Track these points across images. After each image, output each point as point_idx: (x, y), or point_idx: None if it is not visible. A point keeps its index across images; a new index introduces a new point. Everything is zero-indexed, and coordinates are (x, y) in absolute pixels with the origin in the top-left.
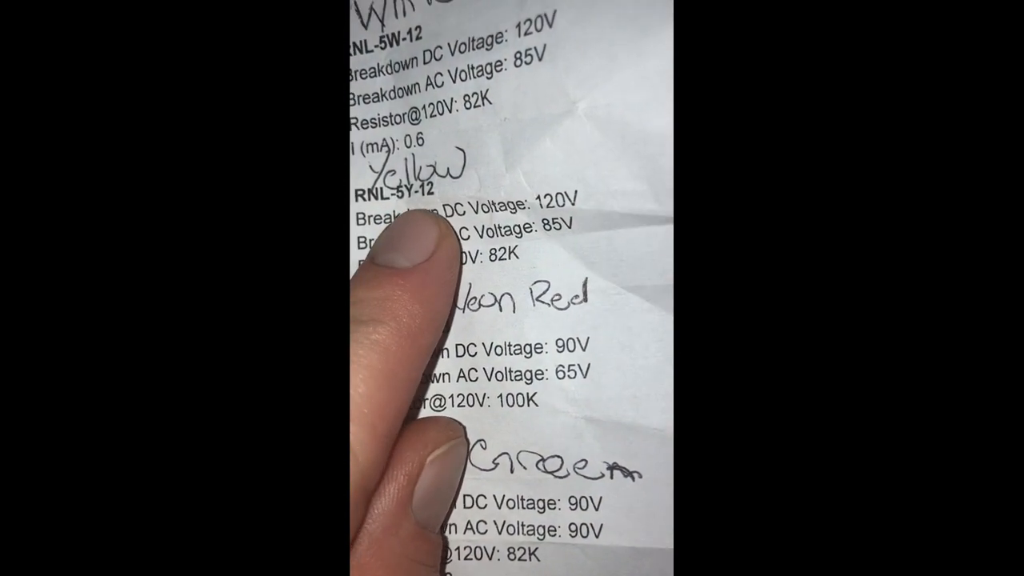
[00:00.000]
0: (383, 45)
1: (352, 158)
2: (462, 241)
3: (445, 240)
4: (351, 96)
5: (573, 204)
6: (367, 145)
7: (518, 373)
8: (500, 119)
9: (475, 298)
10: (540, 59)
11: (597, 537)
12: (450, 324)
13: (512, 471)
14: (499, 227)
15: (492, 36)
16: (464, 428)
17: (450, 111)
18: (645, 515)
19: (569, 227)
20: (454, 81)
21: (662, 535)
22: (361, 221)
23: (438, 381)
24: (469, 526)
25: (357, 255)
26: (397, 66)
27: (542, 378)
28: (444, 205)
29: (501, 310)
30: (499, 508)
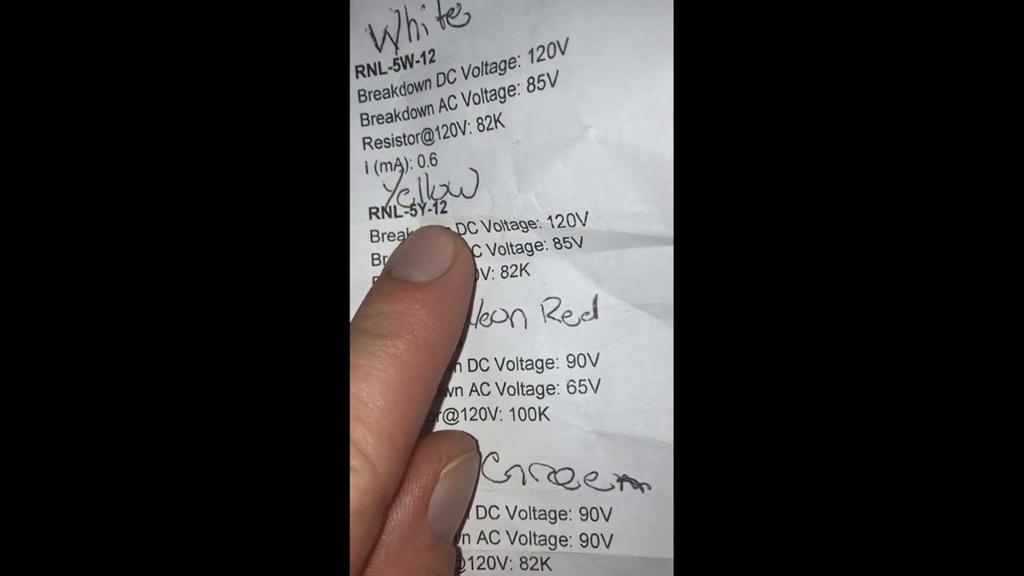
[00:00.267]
0: (397, 67)
1: (366, 177)
2: (475, 259)
3: (461, 256)
4: (364, 117)
5: (584, 224)
6: (381, 164)
7: (530, 388)
8: (513, 142)
9: (487, 314)
10: (552, 85)
11: (607, 547)
12: (463, 339)
13: (524, 483)
14: (511, 245)
15: (505, 61)
16: (476, 441)
17: (463, 133)
18: (654, 526)
19: (579, 246)
20: (467, 104)
21: (670, 546)
22: (375, 238)
23: (451, 395)
24: (482, 536)
25: (371, 272)
26: (411, 88)
27: (553, 393)
28: (457, 223)
29: (513, 326)
30: (511, 519)
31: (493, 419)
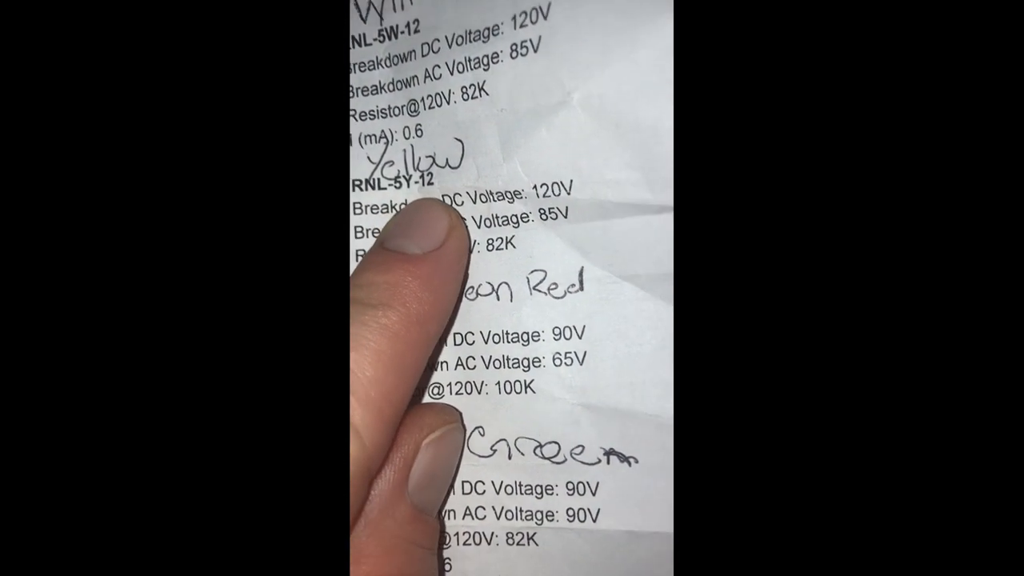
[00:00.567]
0: (381, 38)
1: (350, 149)
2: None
3: (456, 230)
4: (350, 88)
5: (569, 194)
6: (365, 137)
7: (515, 361)
8: (497, 110)
9: (473, 287)
10: (535, 51)
11: (595, 522)
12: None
13: (510, 457)
14: (496, 217)
15: (488, 29)
16: (460, 415)
17: (448, 103)
18: (642, 500)
19: (565, 217)
20: (452, 73)
21: (658, 519)
22: (358, 211)
23: (437, 369)
24: (468, 512)
25: (354, 244)
26: (396, 59)
27: (539, 366)
28: (443, 195)
29: (499, 299)
30: (497, 494)
31: (479, 393)
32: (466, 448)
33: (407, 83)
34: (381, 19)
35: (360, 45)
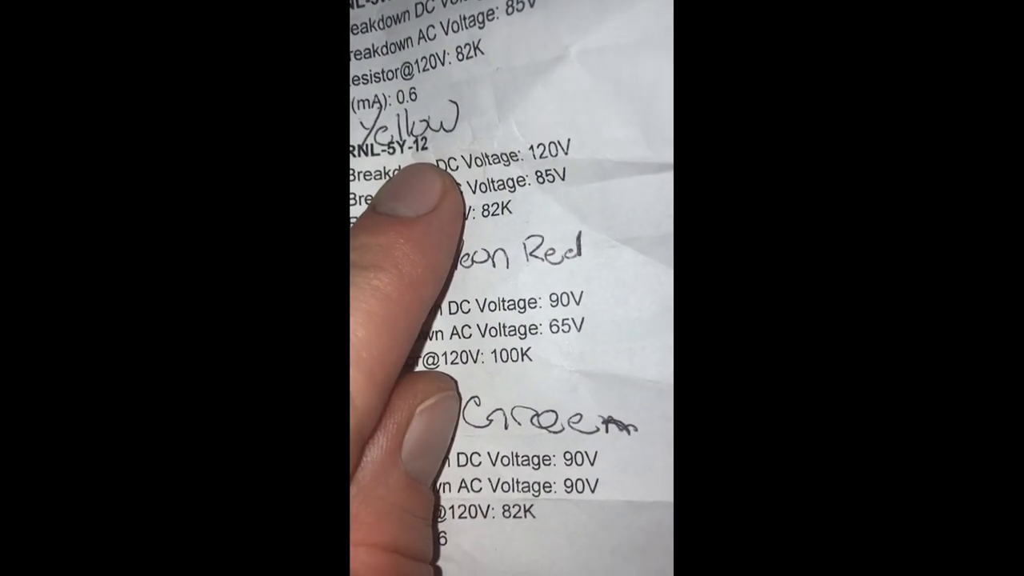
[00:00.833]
0: (375, 0)
1: None
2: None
3: (449, 193)
4: None
5: (566, 154)
6: (359, 102)
7: (512, 328)
8: (492, 69)
9: (468, 254)
10: (531, 5)
11: (593, 492)
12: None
13: (506, 427)
14: (492, 181)
15: None
16: (456, 383)
17: (443, 64)
18: (641, 468)
19: (562, 179)
20: (446, 33)
21: (658, 488)
22: (351, 177)
23: (432, 339)
24: (463, 484)
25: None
26: (389, 21)
27: (536, 333)
28: (438, 160)
29: (495, 266)
30: (493, 465)
31: (474, 362)
32: (461, 419)
33: (400, 45)
34: None
35: (353, 7)
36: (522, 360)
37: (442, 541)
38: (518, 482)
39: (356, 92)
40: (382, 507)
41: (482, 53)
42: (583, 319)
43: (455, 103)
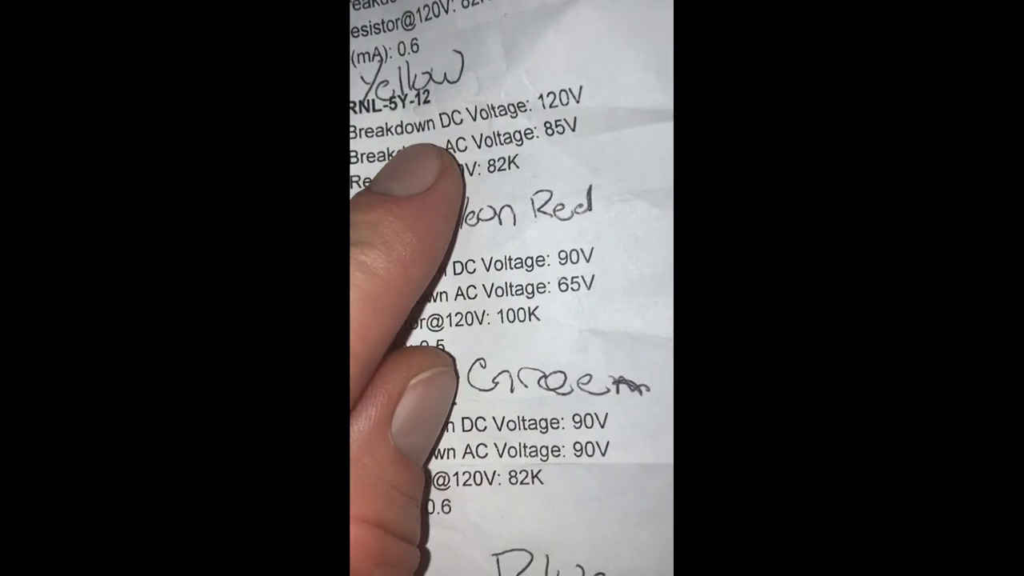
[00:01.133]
0: None
1: None
2: (459, 153)
3: (447, 173)
4: None
5: (578, 102)
6: (359, 55)
7: (519, 287)
8: (500, 15)
9: (473, 212)
10: None
11: (603, 455)
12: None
13: (512, 390)
14: (498, 135)
15: None
16: (454, 360)
17: (446, 11)
18: (654, 430)
19: (573, 130)
20: None
21: (671, 450)
22: (352, 135)
23: (435, 300)
24: (468, 450)
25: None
26: None
27: (544, 291)
28: (441, 114)
29: (501, 223)
30: (499, 430)
31: (480, 323)
32: (466, 382)
33: None
34: None
35: None
36: (529, 320)
37: (446, 510)
38: (525, 447)
39: (355, 45)
40: (367, 479)
41: None
42: (593, 276)
43: (460, 53)
